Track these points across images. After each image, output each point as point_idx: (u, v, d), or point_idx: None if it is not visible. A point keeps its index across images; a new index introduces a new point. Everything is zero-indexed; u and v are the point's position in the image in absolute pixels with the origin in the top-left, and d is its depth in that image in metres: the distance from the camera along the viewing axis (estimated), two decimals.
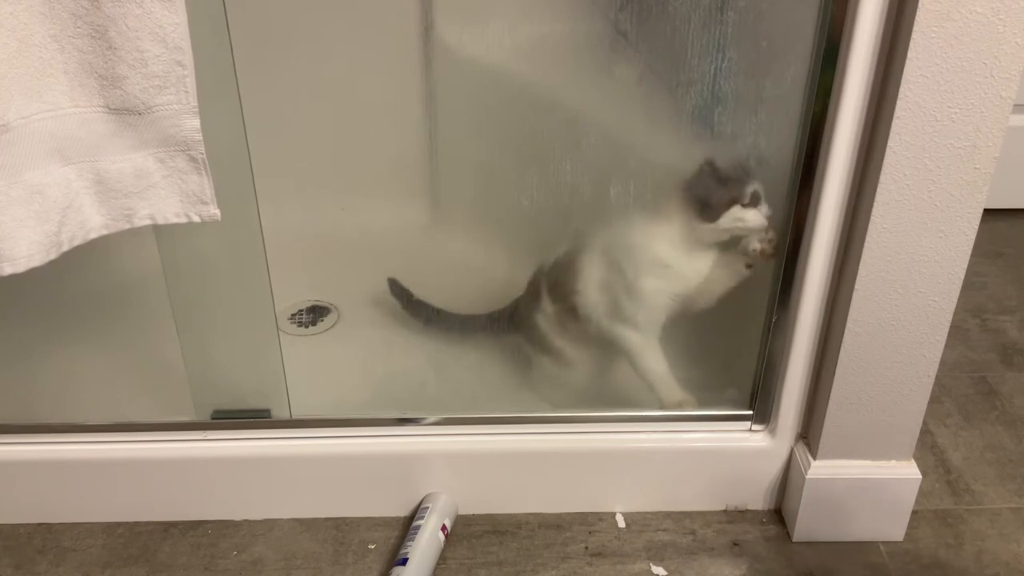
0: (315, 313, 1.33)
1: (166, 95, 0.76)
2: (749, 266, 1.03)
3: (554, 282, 1.13)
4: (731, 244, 1.04)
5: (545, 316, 1.14)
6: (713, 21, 0.96)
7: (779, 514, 1.12)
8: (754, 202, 0.99)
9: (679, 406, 1.08)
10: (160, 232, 0.95)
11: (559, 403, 1.17)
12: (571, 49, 1.12)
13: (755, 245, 1.01)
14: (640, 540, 1.09)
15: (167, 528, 1.10)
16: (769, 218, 0.99)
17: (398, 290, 1.28)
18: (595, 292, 1.09)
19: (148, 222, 0.82)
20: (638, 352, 1.09)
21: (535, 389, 1.19)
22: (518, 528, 1.11)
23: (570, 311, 1.11)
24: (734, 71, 0.99)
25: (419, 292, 1.28)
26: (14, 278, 0.77)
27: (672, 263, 1.04)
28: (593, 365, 1.14)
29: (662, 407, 1.09)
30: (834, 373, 0.98)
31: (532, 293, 1.17)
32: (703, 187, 1.01)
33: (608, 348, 1.11)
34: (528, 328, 1.17)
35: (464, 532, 1.10)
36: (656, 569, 1.05)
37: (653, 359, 1.09)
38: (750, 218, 0.99)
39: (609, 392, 1.17)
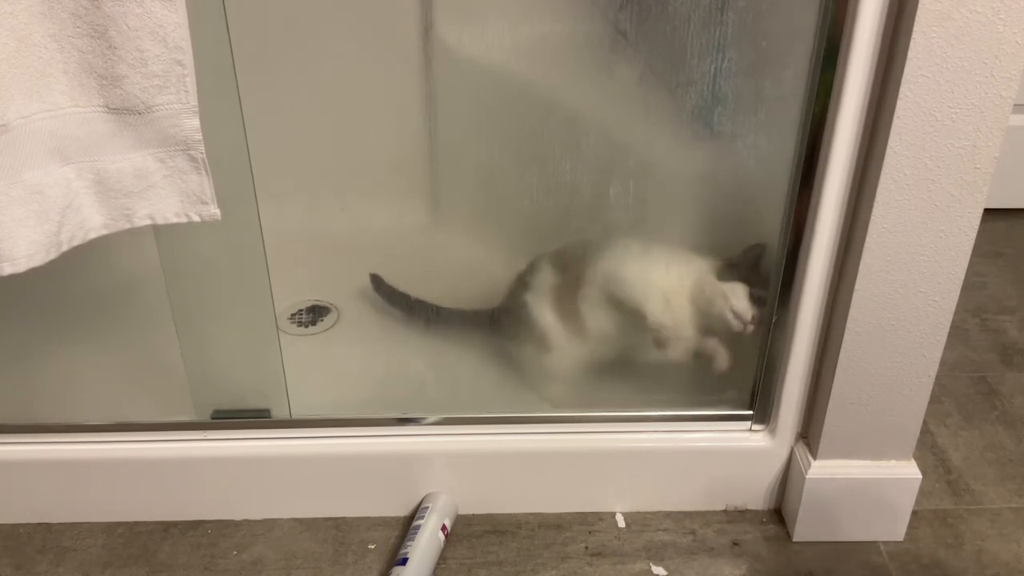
0: (315, 313, 1.33)
1: (166, 95, 0.76)
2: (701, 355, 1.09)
3: (566, 261, 1.14)
4: (704, 321, 1.07)
5: (537, 297, 1.14)
6: (713, 21, 0.97)
7: (779, 514, 1.12)
8: (755, 302, 1.03)
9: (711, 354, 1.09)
10: (159, 232, 0.95)
11: (558, 400, 1.17)
12: (571, 49, 1.13)
13: (710, 346, 1.08)
14: (640, 540, 1.09)
15: (167, 528, 1.10)
16: (744, 327, 1.03)
17: (381, 286, 1.29)
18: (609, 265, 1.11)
19: (148, 222, 0.82)
20: (640, 295, 1.10)
21: (534, 384, 1.19)
22: (518, 528, 1.11)
23: (579, 280, 1.12)
24: (734, 71, 0.99)
25: (416, 291, 1.28)
26: (14, 278, 0.77)
27: (664, 294, 1.08)
28: (579, 354, 1.15)
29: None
30: (834, 373, 0.98)
31: (530, 273, 1.17)
32: (747, 253, 1.05)
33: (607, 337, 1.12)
34: (516, 311, 1.17)
35: (464, 532, 1.10)
36: (656, 569, 1.05)
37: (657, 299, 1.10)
38: (741, 304, 1.03)
39: (609, 391, 1.17)
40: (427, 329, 1.27)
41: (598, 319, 1.11)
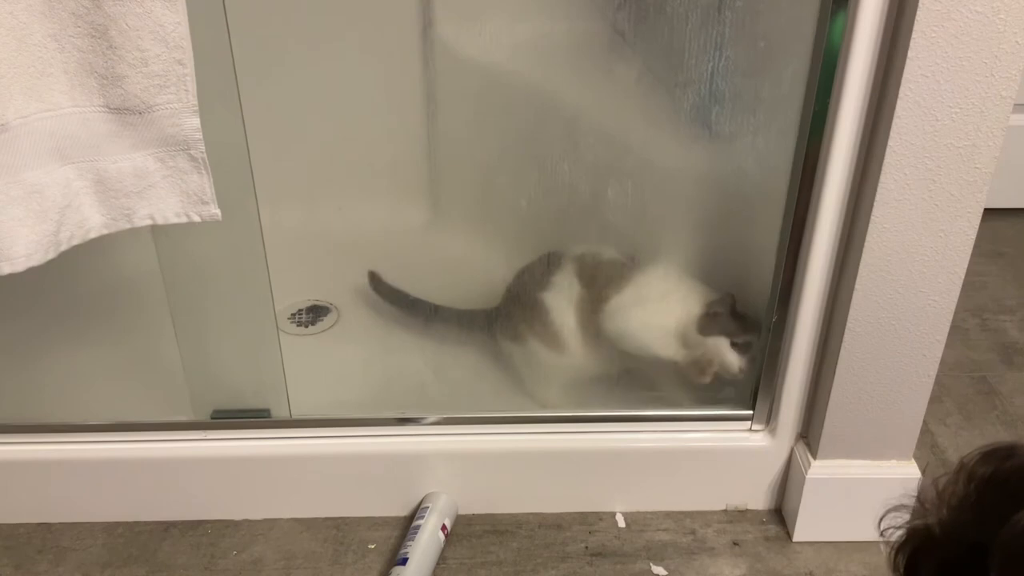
0: (315, 313, 1.33)
1: (166, 94, 0.76)
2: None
3: (591, 273, 1.15)
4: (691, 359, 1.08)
5: (557, 297, 1.14)
6: (712, 21, 0.97)
7: (779, 514, 1.12)
8: (741, 350, 1.05)
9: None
10: (157, 232, 0.94)
11: (556, 402, 1.17)
12: (570, 49, 1.13)
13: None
14: (640, 540, 1.09)
15: (167, 528, 1.10)
16: (740, 371, 1.05)
17: (379, 285, 1.29)
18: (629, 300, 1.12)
19: (148, 222, 0.82)
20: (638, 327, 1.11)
21: (531, 384, 1.19)
22: (518, 528, 1.11)
23: (600, 303, 1.13)
24: (734, 71, 0.99)
25: (415, 291, 1.28)
26: (13, 278, 0.77)
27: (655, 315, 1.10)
28: (589, 358, 1.15)
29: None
30: (834, 373, 0.98)
31: (542, 273, 1.17)
32: (718, 306, 1.07)
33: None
34: (528, 308, 1.17)
35: (464, 532, 1.10)
36: (656, 569, 1.05)
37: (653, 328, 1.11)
38: (728, 358, 1.05)
39: (609, 391, 1.17)
40: (426, 328, 1.27)
41: (604, 344, 1.13)
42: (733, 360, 1.05)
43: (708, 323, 1.06)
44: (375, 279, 1.29)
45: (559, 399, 1.17)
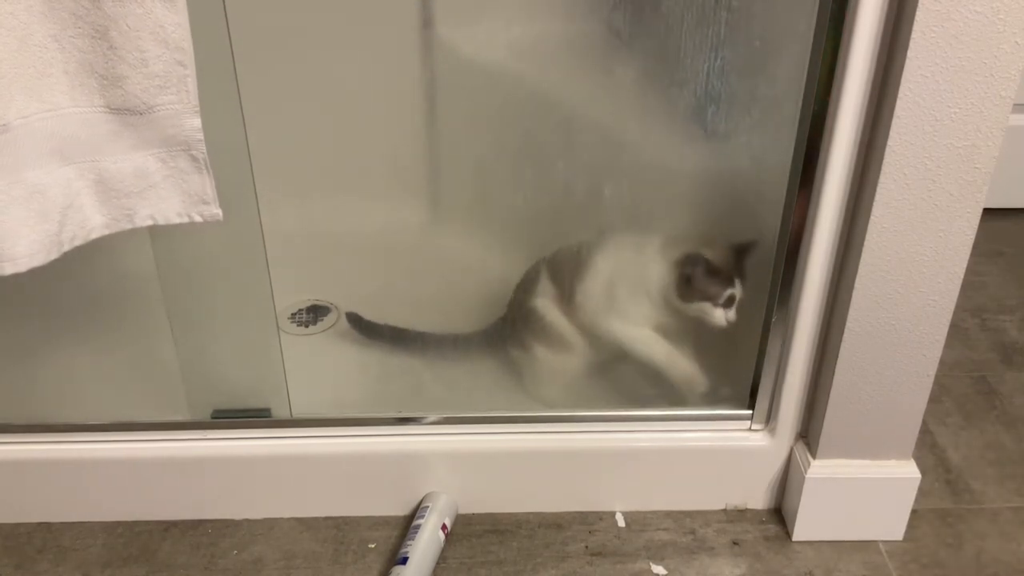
0: (315, 312, 1.33)
1: (167, 95, 0.76)
2: None
3: (558, 270, 1.15)
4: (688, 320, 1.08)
5: (546, 301, 1.14)
6: (711, 20, 0.97)
7: (779, 513, 1.12)
8: (727, 304, 1.04)
9: (691, 382, 1.10)
10: (155, 233, 0.94)
11: (557, 402, 1.17)
12: (570, 49, 1.13)
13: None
14: (640, 539, 1.09)
15: (167, 528, 1.10)
16: (729, 323, 1.05)
17: (357, 323, 1.27)
18: (597, 287, 1.11)
19: (149, 222, 0.82)
20: (634, 343, 1.11)
21: (533, 389, 1.19)
22: (518, 527, 1.11)
23: (572, 298, 1.13)
24: (732, 70, 0.99)
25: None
26: (13, 278, 0.77)
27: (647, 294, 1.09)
28: (595, 352, 1.15)
29: (675, 386, 1.11)
30: (834, 373, 0.98)
31: (530, 281, 1.17)
32: (689, 269, 1.05)
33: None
34: (526, 319, 1.16)
35: (464, 531, 1.10)
36: (656, 568, 1.05)
37: (653, 345, 1.10)
38: (716, 317, 1.05)
39: (608, 391, 1.17)
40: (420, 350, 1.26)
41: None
42: (720, 318, 1.05)
43: (685, 289, 1.05)
44: (354, 319, 1.27)
45: (560, 399, 1.17)
